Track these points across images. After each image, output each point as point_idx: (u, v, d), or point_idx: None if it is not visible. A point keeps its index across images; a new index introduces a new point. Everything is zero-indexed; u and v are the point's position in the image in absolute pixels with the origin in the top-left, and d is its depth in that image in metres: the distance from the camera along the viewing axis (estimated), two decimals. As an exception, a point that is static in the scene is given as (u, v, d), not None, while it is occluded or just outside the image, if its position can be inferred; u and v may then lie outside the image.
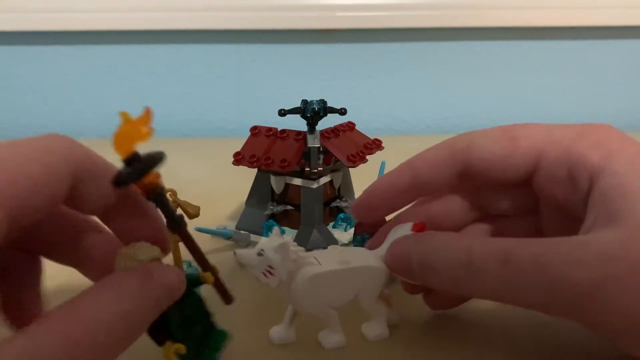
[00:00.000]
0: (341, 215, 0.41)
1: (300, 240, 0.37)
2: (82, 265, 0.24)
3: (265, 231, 0.38)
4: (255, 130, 0.40)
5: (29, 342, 0.16)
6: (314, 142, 0.37)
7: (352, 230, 0.39)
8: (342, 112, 0.38)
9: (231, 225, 0.41)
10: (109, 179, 0.19)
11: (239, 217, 0.41)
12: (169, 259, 0.24)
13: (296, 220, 0.39)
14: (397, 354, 0.28)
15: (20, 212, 0.17)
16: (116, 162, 0.20)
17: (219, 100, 0.83)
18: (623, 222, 0.21)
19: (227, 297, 0.25)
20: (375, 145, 0.41)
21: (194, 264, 0.36)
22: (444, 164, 0.28)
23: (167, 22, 0.77)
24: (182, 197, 0.35)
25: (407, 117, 0.85)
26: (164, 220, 0.22)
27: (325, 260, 0.27)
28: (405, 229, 0.28)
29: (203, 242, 0.40)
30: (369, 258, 0.28)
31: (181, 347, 0.22)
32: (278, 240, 0.25)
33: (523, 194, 0.28)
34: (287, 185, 0.39)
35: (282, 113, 0.37)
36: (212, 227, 0.40)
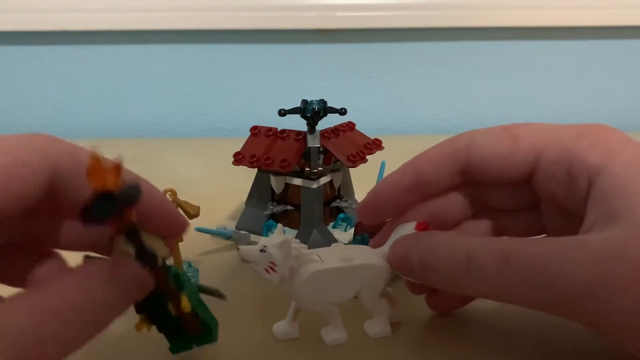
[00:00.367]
0: (341, 215, 0.41)
1: (300, 240, 0.37)
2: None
3: (265, 231, 0.38)
4: (255, 130, 0.40)
5: None
6: (314, 142, 0.37)
7: (352, 230, 0.39)
8: (342, 112, 0.38)
9: (231, 225, 0.41)
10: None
11: (239, 217, 0.41)
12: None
13: (296, 220, 0.39)
14: (399, 352, 0.28)
15: None
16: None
17: (219, 100, 0.83)
18: (623, 222, 0.21)
19: (196, 329, 0.25)
20: (375, 145, 0.41)
21: (194, 264, 0.36)
22: (446, 163, 0.28)
23: (167, 22, 0.77)
24: (182, 197, 0.35)
25: (407, 117, 0.85)
26: (138, 255, 0.21)
27: (327, 258, 0.27)
28: (409, 228, 0.28)
29: (203, 242, 0.40)
30: (371, 256, 0.28)
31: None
32: (280, 237, 0.26)
33: (524, 191, 0.28)
34: (287, 185, 0.39)
35: (282, 113, 0.37)
36: (212, 227, 0.40)
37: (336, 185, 0.41)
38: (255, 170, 0.40)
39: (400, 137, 0.80)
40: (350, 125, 0.42)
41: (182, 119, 0.84)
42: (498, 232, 0.30)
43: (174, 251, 0.27)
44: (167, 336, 0.25)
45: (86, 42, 0.80)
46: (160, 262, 0.22)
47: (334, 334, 0.28)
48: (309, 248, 0.27)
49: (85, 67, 0.82)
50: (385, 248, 0.28)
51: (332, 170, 0.40)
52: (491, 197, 0.30)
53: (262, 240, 0.26)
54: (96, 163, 0.16)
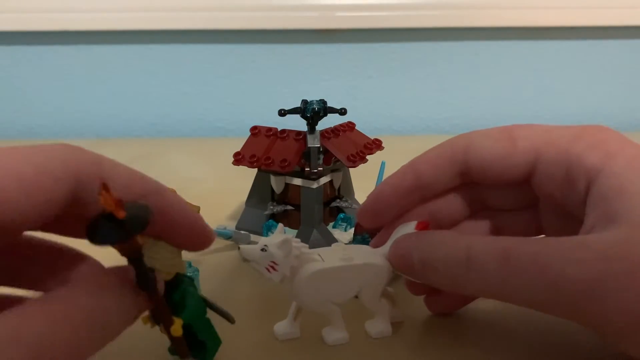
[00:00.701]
0: (341, 215, 0.41)
1: (300, 240, 0.37)
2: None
3: (265, 231, 0.38)
4: (255, 130, 0.40)
5: None
6: (314, 142, 0.37)
7: (352, 230, 0.39)
8: (342, 112, 0.38)
9: (231, 225, 0.41)
10: (122, 184, 0.19)
11: (239, 217, 0.41)
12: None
13: (296, 220, 0.39)
14: (400, 352, 0.28)
15: (6, 207, 0.17)
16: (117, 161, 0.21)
17: (219, 100, 0.83)
18: (622, 223, 0.21)
19: (183, 353, 0.25)
20: (375, 145, 0.41)
21: (194, 264, 0.36)
22: (445, 165, 0.28)
23: (166, 22, 0.77)
24: (182, 197, 0.35)
25: (407, 117, 0.85)
26: (137, 276, 0.21)
27: (328, 257, 0.27)
28: (409, 228, 0.28)
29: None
30: (372, 255, 0.28)
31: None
32: (281, 236, 0.26)
33: (523, 191, 0.28)
34: (287, 185, 0.39)
35: (282, 113, 0.37)
36: (212, 227, 0.39)
37: (336, 185, 0.41)
38: (255, 170, 0.40)
39: (400, 137, 0.80)
40: (350, 125, 0.42)
41: (182, 119, 0.84)
42: (496, 231, 0.30)
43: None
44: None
45: (86, 42, 0.80)
46: (162, 287, 0.22)
47: (335, 334, 0.28)
48: (309, 248, 0.28)
49: (85, 67, 0.82)
50: (386, 247, 0.28)
51: (332, 170, 0.40)
52: (490, 197, 0.30)
53: (263, 240, 0.26)
54: (105, 192, 0.16)
